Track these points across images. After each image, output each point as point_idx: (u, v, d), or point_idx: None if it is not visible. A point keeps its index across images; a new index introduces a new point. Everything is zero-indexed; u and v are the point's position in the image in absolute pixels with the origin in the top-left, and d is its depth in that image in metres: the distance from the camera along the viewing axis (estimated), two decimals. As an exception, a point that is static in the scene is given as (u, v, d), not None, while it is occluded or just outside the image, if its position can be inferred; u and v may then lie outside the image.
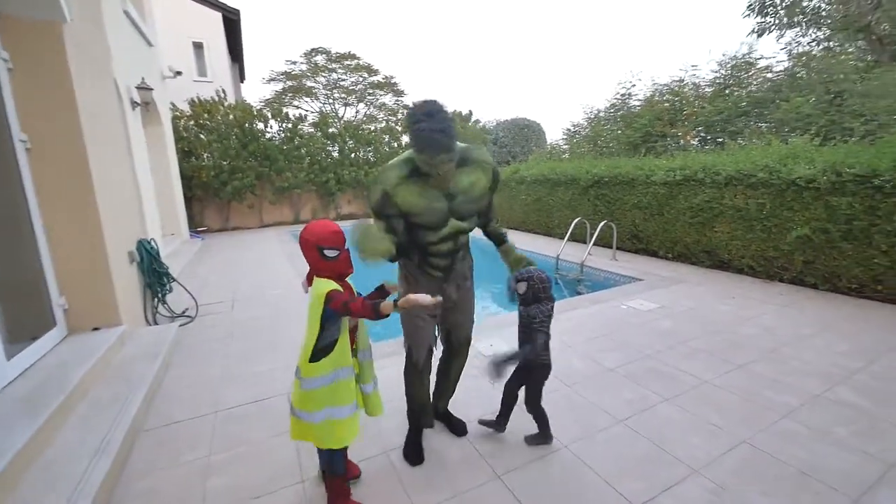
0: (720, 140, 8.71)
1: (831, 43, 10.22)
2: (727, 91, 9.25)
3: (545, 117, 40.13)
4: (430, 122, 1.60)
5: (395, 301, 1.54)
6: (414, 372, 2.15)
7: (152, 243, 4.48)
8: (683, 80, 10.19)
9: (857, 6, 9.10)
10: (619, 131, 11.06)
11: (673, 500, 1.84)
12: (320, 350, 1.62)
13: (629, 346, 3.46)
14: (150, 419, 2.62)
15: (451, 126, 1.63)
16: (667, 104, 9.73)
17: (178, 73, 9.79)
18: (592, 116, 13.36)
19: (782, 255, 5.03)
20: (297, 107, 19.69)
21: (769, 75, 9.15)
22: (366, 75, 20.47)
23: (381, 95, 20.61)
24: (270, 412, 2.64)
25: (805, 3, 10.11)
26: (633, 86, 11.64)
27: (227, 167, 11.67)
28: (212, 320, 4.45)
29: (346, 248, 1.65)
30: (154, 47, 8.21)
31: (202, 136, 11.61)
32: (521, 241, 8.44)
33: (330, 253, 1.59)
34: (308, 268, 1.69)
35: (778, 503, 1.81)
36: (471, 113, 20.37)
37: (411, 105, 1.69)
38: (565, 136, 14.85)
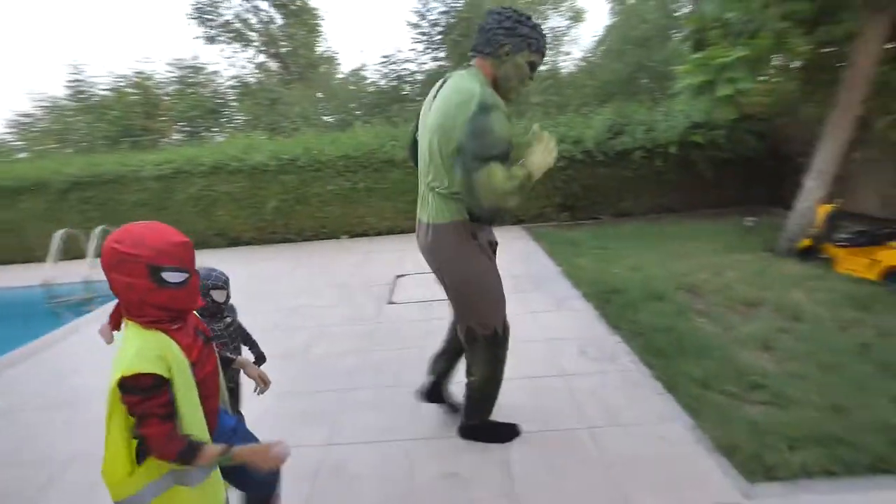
0: (202, 134, 9.63)
1: (266, 60, 13.31)
2: (191, 91, 10.16)
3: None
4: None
5: (229, 452, 0.99)
6: (504, 348, 1.85)
7: None
8: (146, 74, 10.09)
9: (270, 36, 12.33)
10: (91, 124, 9.61)
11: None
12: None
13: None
14: None
15: None
16: (137, 97, 9.40)
17: None
18: (52, 106, 10.70)
19: (269, 223, 6.63)
20: None
21: (222, 80, 10.88)
22: None
23: None
24: None
25: (237, 26, 12.37)
26: (83, 77, 10.21)
27: None
28: None
29: (195, 269, 1.05)
30: None
31: None
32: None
33: (173, 277, 0.97)
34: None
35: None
36: None
37: (507, 10, 1.56)
38: (15, 130, 11.08)
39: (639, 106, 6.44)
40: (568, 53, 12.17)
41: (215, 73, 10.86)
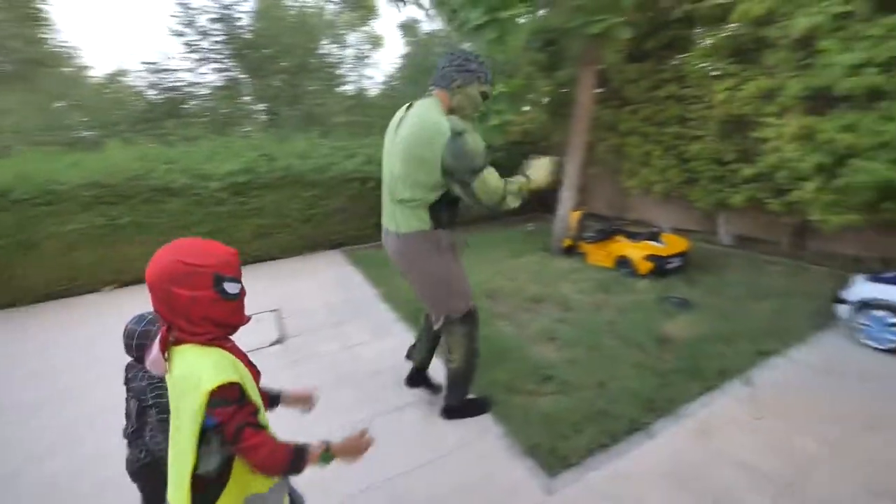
0: None
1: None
2: None
3: None
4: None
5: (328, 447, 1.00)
6: (477, 325, 2.09)
7: None
8: None
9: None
10: None
11: None
12: (212, 481, 0.91)
13: None
14: None
15: None
16: None
17: None
18: None
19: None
20: None
21: None
22: None
23: None
24: None
25: None
26: None
27: None
28: None
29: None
30: None
31: None
32: None
33: (232, 288, 0.95)
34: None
35: None
36: None
37: (458, 52, 1.89)
38: None
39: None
40: (370, 78, 12.60)
41: None
